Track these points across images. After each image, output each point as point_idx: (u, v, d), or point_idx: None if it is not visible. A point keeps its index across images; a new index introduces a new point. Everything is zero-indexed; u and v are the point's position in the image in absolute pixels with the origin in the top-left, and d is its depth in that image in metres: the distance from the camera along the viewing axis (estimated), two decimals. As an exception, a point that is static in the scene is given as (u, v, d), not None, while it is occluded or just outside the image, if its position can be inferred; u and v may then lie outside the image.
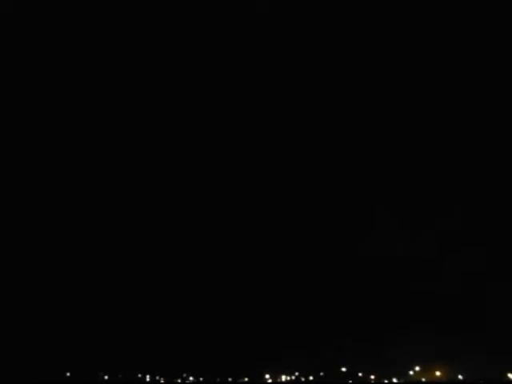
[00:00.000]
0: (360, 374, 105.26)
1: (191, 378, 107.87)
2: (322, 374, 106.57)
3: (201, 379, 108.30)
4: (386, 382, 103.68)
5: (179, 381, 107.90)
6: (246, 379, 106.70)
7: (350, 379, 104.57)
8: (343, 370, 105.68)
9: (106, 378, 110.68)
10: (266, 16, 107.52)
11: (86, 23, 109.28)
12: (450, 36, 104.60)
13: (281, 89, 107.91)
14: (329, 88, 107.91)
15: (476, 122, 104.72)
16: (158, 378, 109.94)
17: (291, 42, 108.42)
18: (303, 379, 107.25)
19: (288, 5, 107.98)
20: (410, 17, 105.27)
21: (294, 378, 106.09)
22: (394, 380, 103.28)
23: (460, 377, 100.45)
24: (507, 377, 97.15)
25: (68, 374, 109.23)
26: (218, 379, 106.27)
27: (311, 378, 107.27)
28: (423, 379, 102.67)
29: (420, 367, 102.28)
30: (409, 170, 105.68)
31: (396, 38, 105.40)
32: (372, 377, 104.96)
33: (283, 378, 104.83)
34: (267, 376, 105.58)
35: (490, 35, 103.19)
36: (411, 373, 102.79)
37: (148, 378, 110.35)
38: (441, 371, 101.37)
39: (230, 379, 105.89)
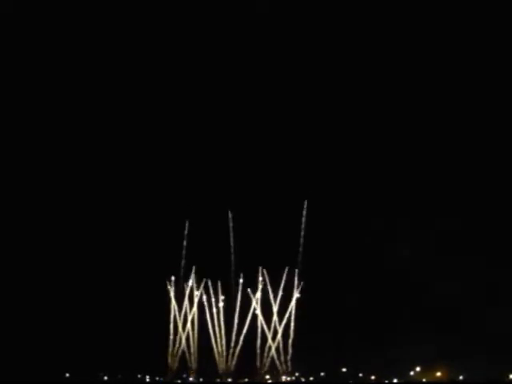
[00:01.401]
0: (360, 375, 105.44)
1: (191, 379, 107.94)
2: (322, 374, 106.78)
3: (201, 380, 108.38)
4: (387, 382, 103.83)
5: (179, 381, 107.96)
6: (246, 379, 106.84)
7: (351, 379, 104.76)
8: (343, 370, 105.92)
9: (106, 378, 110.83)
10: (266, 16, 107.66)
11: (86, 23, 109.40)
12: (450, 37, 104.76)
13: (281, 89, 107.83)
14: (329, 88, 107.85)
15: (477, 123, 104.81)
16: (157, 378, 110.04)
17: (291, 42, 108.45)
18: (303, 379, 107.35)
19: (288, 5, 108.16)
20: (410, 17, 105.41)
21: (294, 378, 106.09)
22: (395, 380, 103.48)
23: (461, 377, 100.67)
24: (508, 377, 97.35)
25: (67, 375, 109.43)
26: (218, 379, 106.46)
27: (311, 378, 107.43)
28: (424, 379, 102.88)
29: (420, 367, 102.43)
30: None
31: (397, 37, 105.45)
32: (372, 377, 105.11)
33: (283, 378, 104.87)
34: (267, 376, 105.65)
35: (490, 35, 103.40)
36: (412, 373, 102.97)
37: (148, 378, 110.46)
38: (441, 371, 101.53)
39: (229, 379, 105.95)
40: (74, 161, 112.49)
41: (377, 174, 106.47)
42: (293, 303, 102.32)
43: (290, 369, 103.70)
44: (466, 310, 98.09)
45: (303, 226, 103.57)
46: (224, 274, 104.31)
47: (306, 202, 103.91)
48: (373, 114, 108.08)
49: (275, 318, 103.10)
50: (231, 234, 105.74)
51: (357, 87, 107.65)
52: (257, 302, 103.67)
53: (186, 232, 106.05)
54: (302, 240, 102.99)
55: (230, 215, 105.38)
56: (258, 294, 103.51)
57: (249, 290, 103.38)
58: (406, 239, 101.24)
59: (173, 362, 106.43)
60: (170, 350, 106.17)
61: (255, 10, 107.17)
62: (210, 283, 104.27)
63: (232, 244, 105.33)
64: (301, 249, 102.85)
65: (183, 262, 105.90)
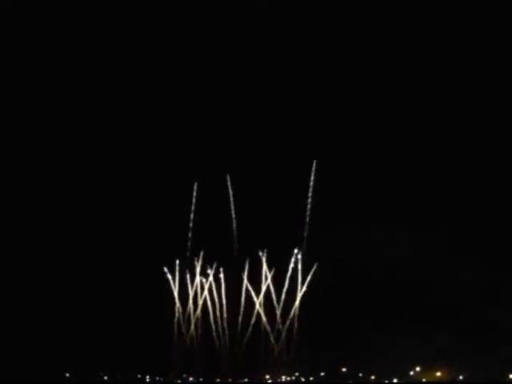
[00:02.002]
0: (360, 375, 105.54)
1: (191, 379, 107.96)
2: (322, 374, 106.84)
3: (201, 379, 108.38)
4: (387, 382, 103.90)
5: (179, 381, 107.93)
6: (246, 379, 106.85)
7: (351, 379, 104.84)
8: (343, 370, 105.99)
9: (106, 378, 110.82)
10: (266, 16, 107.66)
11: (86, 23, 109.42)
12: (453, 36, 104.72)
13: (281, 89, 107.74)
14: (329, 89, 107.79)
15: (477, 122, 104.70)
16: (157, 378, 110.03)
17: (291, 42, 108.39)
18: (303, 379, 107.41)
19: (288, 5, 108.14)
20: (411, 16, 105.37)
21: (293, 378, 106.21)
22: (395, 380, 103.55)
23: (461, 377, 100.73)
24: (508, 377, 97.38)
25: (67, 375, 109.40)
26: (218, 380, 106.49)
27: (311, 378, 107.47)
28: (424, 379, 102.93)
29: (420, 367, 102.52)
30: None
31: (398, 38, 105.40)
32: (372, 377, 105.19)
33: (283, 377, 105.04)
34: (267, 376, 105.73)
35: (491, 35, 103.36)
36: (412, 373, 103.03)
37: (148, 378, 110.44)
38: (441, 371, 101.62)
39: (229, 379, 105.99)
40: (70, 142, 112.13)
41: (376, 173, 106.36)
42: (297, 303, 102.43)
43: (290, 369, 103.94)
44: (466, 310, 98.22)
45: (311, 188, 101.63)
46: (226, 260, 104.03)
47: (314, 163, 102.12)
48: (372, 115, 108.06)
49: (278, 319, 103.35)
50: (231, 203, 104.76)
51: (358, 87, 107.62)
52: (260, 305, 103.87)
53: (194, 192, 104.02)
54: (308, 214, 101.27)
55: (228, 179, 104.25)
56: (261, 297, 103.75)
57: (252, 292, 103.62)
58: (406, 239, 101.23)
59: (176, 362, 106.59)
60: (174, 347, 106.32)
61: (255, 10, 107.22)
62: (212, 279, 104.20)
63: (233, 214, 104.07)
64: (306, 230, 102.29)
65: (190, 234, 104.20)
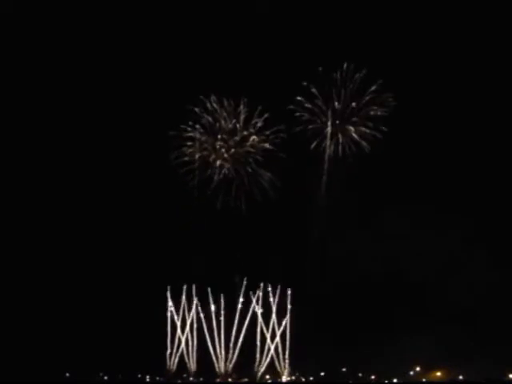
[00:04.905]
0: (360, 375, 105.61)
1: (191, 379, 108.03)
2: (322, 374, 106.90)
3: (201, 379, 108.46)
4: (387, 382, 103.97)
5: (179, 381, 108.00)
6: (246, 379, 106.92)
7: (351, 379, 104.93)
8: (343, 370, 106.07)
9: (106, 378, 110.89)
10: (266, 16, 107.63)
11: (86, 23, 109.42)
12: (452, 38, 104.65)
13: (281, 90, 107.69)
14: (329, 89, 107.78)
15: (478, 120, 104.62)
16: (157, 378, 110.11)
17: (291, 42, 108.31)
18: (303, 379, 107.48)
19: (288, 5, 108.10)
20: (413, 19, 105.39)
21: (293, 378, 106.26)
22: (395, 380, 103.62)
23: (461, 377, 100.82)
24: (508, 377, 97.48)
25: (67, 375, 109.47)
26: (218, 380, 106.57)
27: (311, 378, 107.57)
28: (424, 379, 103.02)
29: (420, 367, 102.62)
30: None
31: (400, 42, 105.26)
32: (372, 377, 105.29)
33: (283, 378, 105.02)
34: (267, 376, 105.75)
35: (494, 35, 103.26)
36: (412, 373, 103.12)
37: (148, 378, 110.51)
38: (441, 371, 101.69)
39: (230, 379, 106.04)
40: (70, 142, 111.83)
41: (375, 173, 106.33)
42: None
43: (289, 369, 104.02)
44: (466, 310, 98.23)
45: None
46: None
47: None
48: (372, 114, 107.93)
49: (274, 317, 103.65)
50: None
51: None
52: (257, 301, 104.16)
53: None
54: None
55: None
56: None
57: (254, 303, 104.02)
58: (407, 239, 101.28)
59: (171, 364, 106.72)
60: (168, 351, 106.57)
61: (255, 10, 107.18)
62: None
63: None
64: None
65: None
